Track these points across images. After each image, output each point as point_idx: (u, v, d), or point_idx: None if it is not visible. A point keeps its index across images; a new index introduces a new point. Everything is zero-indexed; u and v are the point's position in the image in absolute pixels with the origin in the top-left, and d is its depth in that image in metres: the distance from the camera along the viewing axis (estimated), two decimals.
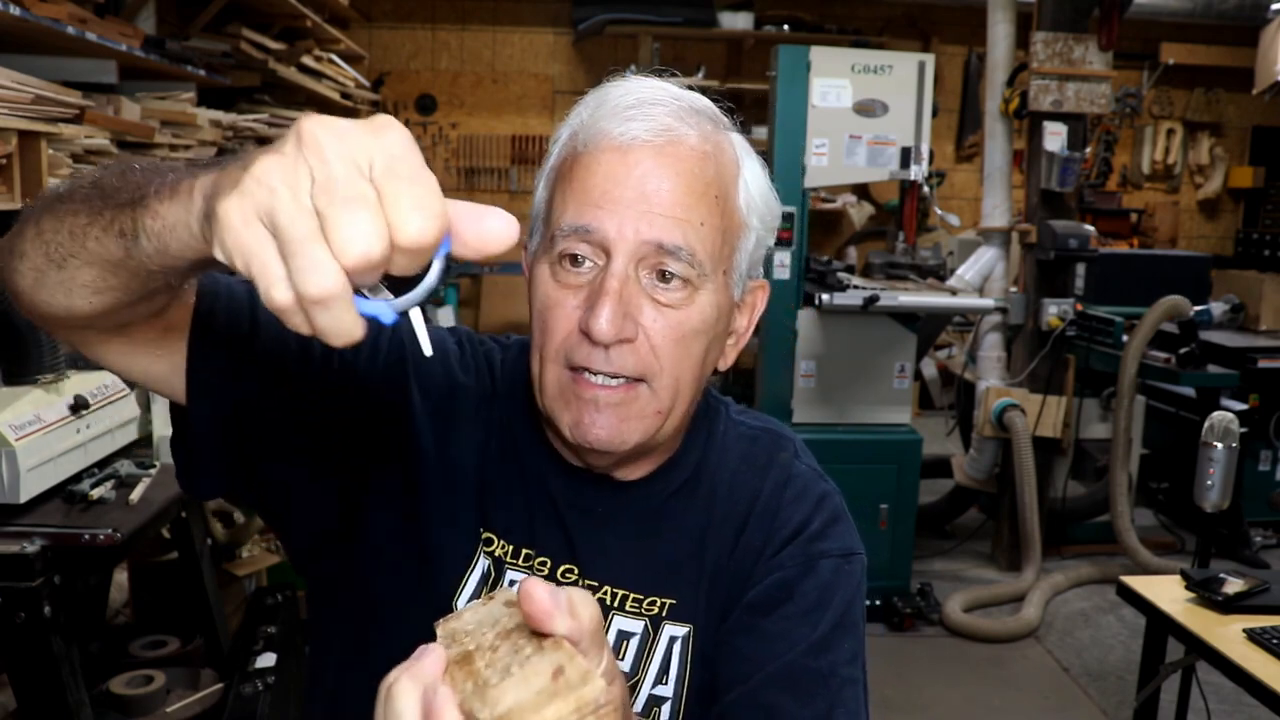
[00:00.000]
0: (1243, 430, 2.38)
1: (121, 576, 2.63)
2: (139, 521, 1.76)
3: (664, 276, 0.83)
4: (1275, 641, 1.91)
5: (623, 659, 0.90)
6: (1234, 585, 2.09)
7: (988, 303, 4.06)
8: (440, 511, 0.89)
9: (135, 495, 1.85)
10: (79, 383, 1.93)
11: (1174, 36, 6.88)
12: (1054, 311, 4.11)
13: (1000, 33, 4.20)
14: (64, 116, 2.13)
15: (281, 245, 0.48)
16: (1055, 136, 4.05)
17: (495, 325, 6.39)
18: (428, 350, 0.58)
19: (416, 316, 0.55)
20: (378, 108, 6.23)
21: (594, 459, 0.89)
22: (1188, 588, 2.14)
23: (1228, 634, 1.98)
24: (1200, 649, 1.99)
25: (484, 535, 0.90)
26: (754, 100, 5.60)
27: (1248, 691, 1.87)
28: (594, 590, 0.90)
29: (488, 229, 0.52)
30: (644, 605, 0.91)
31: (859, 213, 6.72)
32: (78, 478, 1.86)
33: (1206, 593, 2.09)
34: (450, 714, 0.53)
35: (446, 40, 6.64)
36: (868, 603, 0.98)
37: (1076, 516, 4.47)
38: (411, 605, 0.89)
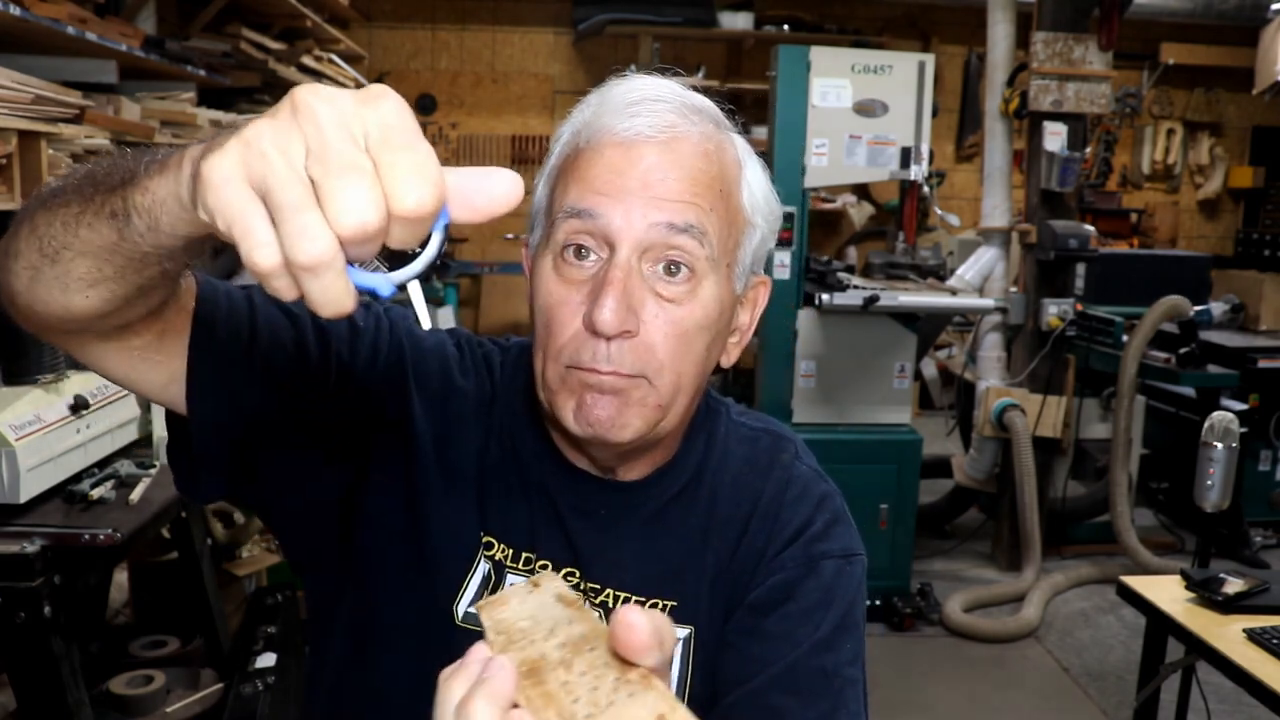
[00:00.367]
0: (1243, 430, 2.38)
1: (121, 576, 2.63)
2: (139, 521, 1.76)
3: (670, 270, 0.82)
4: (1275, 641, 1.91)
5: None
6: (1234, 585, 2.09)
7: (988, 303, 4.06)
8: (440, 515, 0.89)
9: (135, 495, 1.85)
10: (79, 383, 1.93)
11: (1174, 36, 6.87)
12: (1054, 311, 4.11)
13: (1000, 33, 4.20)
14: (64, 116, 2.12)
15: (272, 210, 0.47)
16: (1055, 136, 4.05)
17: (495, 325, 6.39)
18: (426, 324, 0.56)
19: (415, 290, 0.54)
20: None
21: (596, 450, 0.88)
22: (1188, 588, 2.14)
23: (1228, 634, 1.98)
24: (1200, 649, 1.99)
25: (484, 539, 0.90)
26: (754, 100, 5.60)
27: (1248, 691, 1.87)
28: (596, 593, 0.90)
29: (492, 191, 0.51)
30: (645, 608, 0.91)
31: (859, 213, 6.72)
32: (78, 478, 1.86)
33: (1206, 593, 2.09)
34: None
35: (446, 40, 6.64)
36: (868, 603, 0.98)
37: (1076, 516, 4.47)
38: (411, 609, 0.88)
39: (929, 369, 6.39)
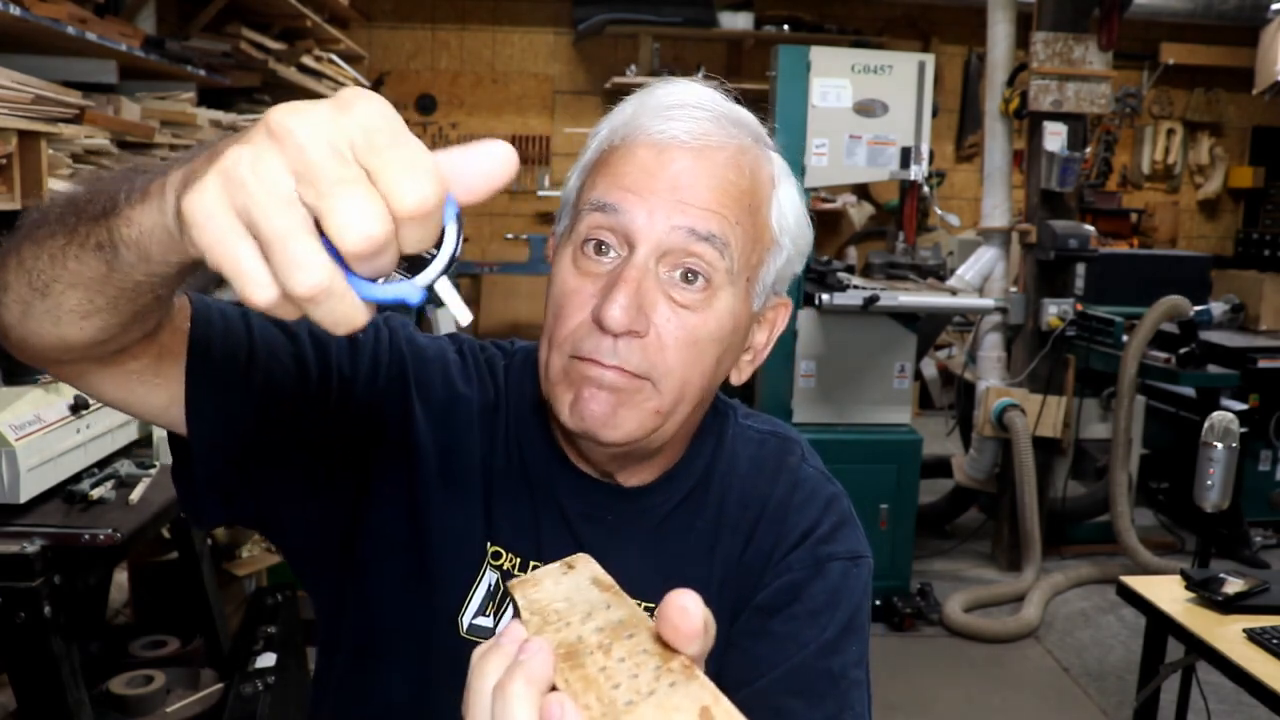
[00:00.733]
0: (1243, 430, 2.38)
1: (121, 576, 2.63)
2: (139, 521, 1.76)
3: (687, 277, 0.81)
4: (1275, 641, 1.91)
5: None
6: (1234, 585, 2.09)
7: (988, 303, 4.06)
8: (443, 525, 0.88)
9: (135, 495, 1.85)
10: None
11: (1174, 36, 6.88)
12: (1054, 311, 4.11)
13: (1000, 33, 4.20)
14: (64, 116, 2.13)
15: (261, 243, 0.45)
16: (1055, 136, 4.05)
17: (495, 325, 6.39)
18: (464, 317, 0.53)
19: (445, 288, 0.51)
20: None
21: (589, 449, 0.88)
22: (1188, 588, 2.14)
23: (1228, 634, 1.98)
24: (1200, 649, 1.99)
25: (491, 549, 0.89)
26: (754, 100, 5.58)
27: (1248, 691, 1.87)
28: None
29: (488, 168, 0.49)
30: (653, 613, 0.91)
31: (859, 213, 6.72)
32: (78, 478, 1.86)
33: (1206, 593, 2.09)
34: None
35: (446, 40, 6.64)
36: None
37: (1076, 516, 4.47)
38: (415, 621, 0.88)
39: (929, 369, 6.39)
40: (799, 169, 3.58)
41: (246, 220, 0.45)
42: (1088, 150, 5.29)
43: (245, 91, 3.68)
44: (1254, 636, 1.94)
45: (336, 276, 0.45)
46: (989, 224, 4.28)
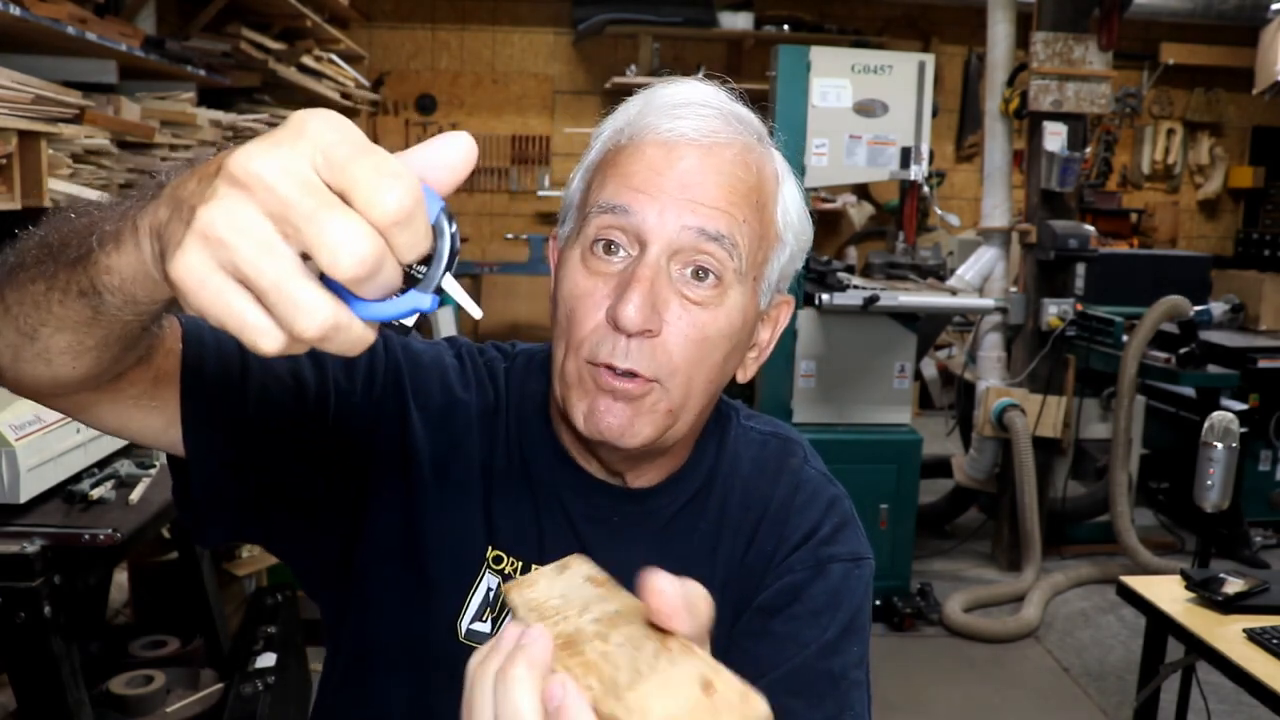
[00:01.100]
0: (1243, 430, 2.38)
1: (121, 576, 2.63)
2: (139, 521, 1.76)
3: (698, 275, 0.81)
4: (1275, 641, 1.91)
5: None
6: (1234, 585, 2.09)
7: (988, 303, 4.06)
8: (441, 531, 0.88)
9: (135, 495, 1.85)
10: None
11: (1174, 36, 6.88)
12: (1054, 311, 4.11)
13: (1000, 33, 4.20)
14: (64, 116, 2.12)
15: (258, 296, 0.45)
16: (1055, 136, 4.05)
17: (495, 325, 6.39)
18: (477, 313, 0.53)
19: (452, 286, 0.50)
20: (377, 108, 6.24)
21: (605, 454, 0.88)
22: (1188, 588, 2.14)
23: (1228, 634, 1.98)
24: (1200, 649, 1.99)
25: (491, 554, 0.89)
26: (754, 100, 5.58)
27: (1248, 691, 1.87)
28: None
29: (450, 161, 0.49)
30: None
31: (859, 213, 6.72)
32: (78, 478, 1.85)
33: (1206, 593, 2.09)
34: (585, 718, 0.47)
35: (446, 40, 6.64)
36: None
37: (1076, 516, 4.47)
38: (413, 628, 0.88)
39: (929, 369, 6.39)
40: (799, 169, 3.56)
41: (237, 276, 0.45)
42: (1088, 150, 5.29)
43: (245, 91, 3.68)
44: (1254, 636, 1.94)
45: (340, 310, 0.45)
46: (989, 224, 4.28)
